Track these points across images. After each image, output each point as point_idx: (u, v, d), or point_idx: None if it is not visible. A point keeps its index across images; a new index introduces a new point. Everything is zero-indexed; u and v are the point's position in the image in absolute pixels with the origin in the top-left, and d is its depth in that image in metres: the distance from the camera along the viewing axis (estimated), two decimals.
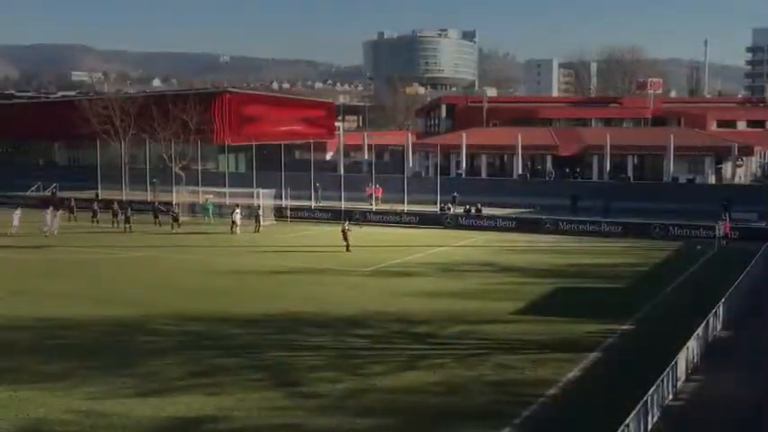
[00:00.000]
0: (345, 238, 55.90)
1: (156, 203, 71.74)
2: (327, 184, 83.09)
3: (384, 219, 73.29)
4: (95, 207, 72.95)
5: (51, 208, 67.39)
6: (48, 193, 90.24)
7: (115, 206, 70.63)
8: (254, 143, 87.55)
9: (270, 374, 28.84)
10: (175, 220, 68.58)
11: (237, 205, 68.21)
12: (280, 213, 74.55)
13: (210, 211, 74.47)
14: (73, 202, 75.17)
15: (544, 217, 70.11)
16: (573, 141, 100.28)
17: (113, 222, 68.27)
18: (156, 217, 70.77)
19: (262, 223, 67.61)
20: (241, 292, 42.74)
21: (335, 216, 71.76)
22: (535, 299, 41.45)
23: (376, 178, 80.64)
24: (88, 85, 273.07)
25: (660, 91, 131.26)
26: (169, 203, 75.39)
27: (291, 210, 75.33)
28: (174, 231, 66.87)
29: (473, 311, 38.52)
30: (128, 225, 67.04)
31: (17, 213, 65.98)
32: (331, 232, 62.61)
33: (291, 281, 46.06)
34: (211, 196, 77.48)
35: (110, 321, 36.17)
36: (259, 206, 70.83)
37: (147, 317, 37.16)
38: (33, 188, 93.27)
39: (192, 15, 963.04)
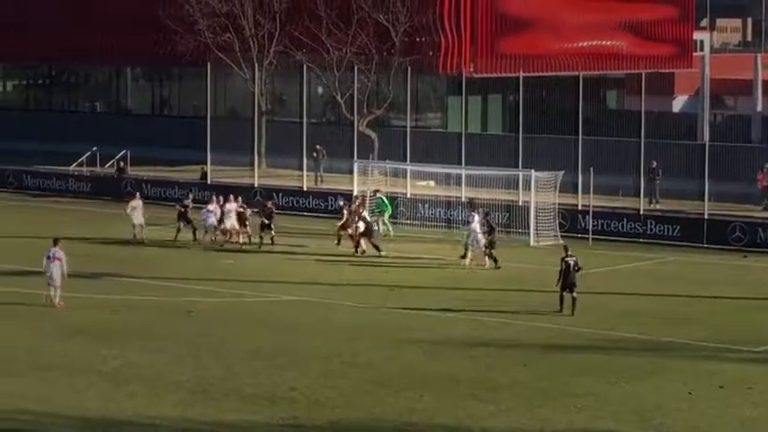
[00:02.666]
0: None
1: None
2: (673, 162, 58.26)
3: None
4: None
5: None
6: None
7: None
8: (521, 74, 61.26)
9: None
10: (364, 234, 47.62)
11: (475, 211, 45.72)
12: (573, 223, 50.47)
13: (388, 213, 50.26)
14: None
15: None
16: None
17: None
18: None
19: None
20: None
21: (688, 234, 50.79)
22: None
23: None
24: None
25: None
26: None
27: (597, 216, 50.56)
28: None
29: None
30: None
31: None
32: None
33: None
34: (431, 183, 57.04)
35: None
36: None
37: None
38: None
39: None
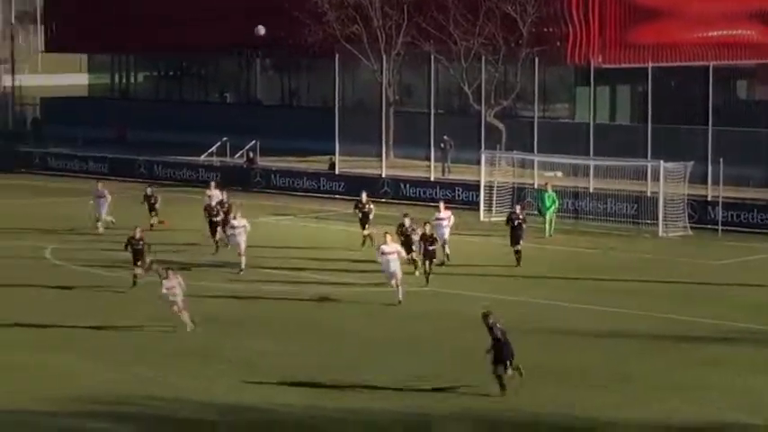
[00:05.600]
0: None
1: None
2: None
3: None
4: None
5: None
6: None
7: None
8: (649, 64, 57.62)
9: None
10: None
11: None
12: (702, 214, 47.85)
13: (552, 208, 45.69)
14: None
15: None
16: None
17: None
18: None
19: None
20: None
21: None
22: None
23: None
24: None
25: None
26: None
27: (727, 207, 47.94)
28: None
29: None
30: None
31: None
32: None
33: None
34: (558, 174, 53.59)
35: None
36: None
37: None
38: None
39: None
